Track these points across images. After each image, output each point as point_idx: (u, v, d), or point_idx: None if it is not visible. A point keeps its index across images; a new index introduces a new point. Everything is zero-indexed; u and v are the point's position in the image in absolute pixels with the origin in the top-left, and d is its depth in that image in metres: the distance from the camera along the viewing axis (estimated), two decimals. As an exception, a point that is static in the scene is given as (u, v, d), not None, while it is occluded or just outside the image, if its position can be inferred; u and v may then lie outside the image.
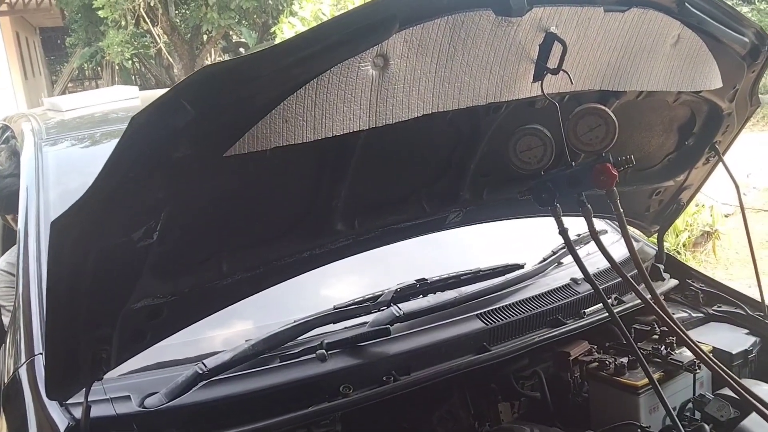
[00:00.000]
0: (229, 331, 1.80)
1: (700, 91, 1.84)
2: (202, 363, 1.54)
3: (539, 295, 2.00)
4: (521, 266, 2.14)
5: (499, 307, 1.91)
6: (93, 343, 1.34)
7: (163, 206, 1.22)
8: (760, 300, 2.14)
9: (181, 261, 1.38)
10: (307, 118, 1.23)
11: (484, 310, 1.89)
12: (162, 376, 1.58)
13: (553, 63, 1.47)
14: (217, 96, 1.14)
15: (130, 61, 15.20)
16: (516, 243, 2.36)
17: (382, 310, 1.83)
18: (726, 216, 6.11)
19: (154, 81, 16.80)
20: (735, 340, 2.08)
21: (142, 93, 3.33)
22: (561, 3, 1.42)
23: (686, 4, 1.59)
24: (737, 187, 2.08)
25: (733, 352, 2.00)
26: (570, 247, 1.56)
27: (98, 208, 1.15)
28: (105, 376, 1.42)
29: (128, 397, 1.49)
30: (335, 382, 1.60)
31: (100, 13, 12.84)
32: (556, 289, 2.05)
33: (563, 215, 1.55)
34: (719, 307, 2.25)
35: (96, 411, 1.41)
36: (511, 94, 1.50)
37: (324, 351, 1.63)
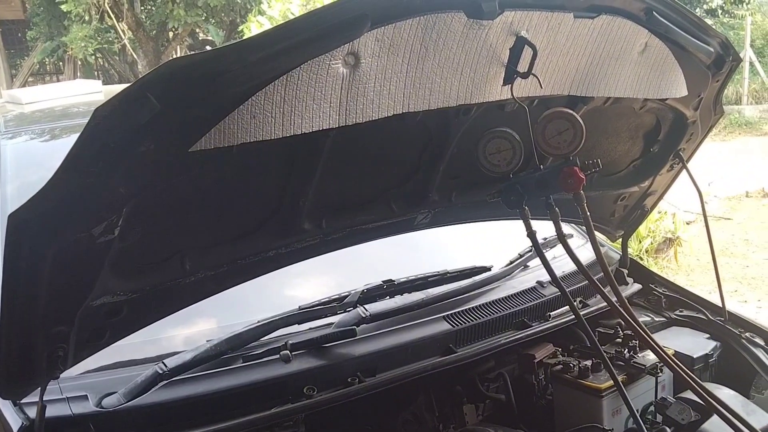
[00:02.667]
0: (190, 330, 1.77)
1: (666, 99, 1.87)
2: (162, 363, 1.51)
3: (505, 297, 2.01)
4: (488, 269, 2.15)
5: (465, 309, 1.91)
6: (49, 340, 1.30)
7: (126, 201, 1.19)
8: (720, 305, 2.17)
9: (142, 258, 1.35)
10: (276, 115, 1.21)
11: (450, 312, 1.88)
12: (121, 376, 1.54)
13: (523, 67, 1.47)
14: (184, 90, 1.11)
15: (93, 57, 14.89)
16: (484, 246, 2.37)
17: (349, 311, 1.81)
18: (688, 223, 6.24)
19: (117, 77, 16.49)
20: (696, 344, 2.11)
21: (105, 87, 3.26)
22: (532, 7, 1.43)
23: (654, 12, 1.61)
24: (700, 194, 2.11)
25: (695, 356, 2.03)
26: (538, 249, 1.57)
27: (58, 202, 1.11)
28: (61, 375, 1.38)
29: (85, 397, 1.45)
30: (299, 383, 1.58)
31: (63, 7, 12.55)
32: (522, 291, 2.05)
33: (531, 218, 1.55)
34: (681, 311, 2.28)
35: (51, 411, 1.36)
36: (481, 97, 1.50)
37: (288, 352, 1.60)
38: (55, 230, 1.15)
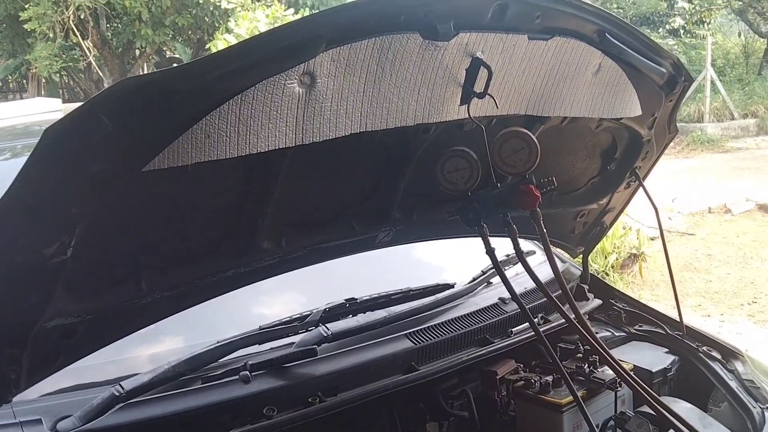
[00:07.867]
0: (150, 351, 1.75)
1: (621, 119, 1.91)
2: (120, 385, 1.48)
3: (468, 314, 2.01)
4: (451, 286, 2.16)
5: (428, 327, 1.91)
6: (1, 363, 1.27)
7: (78, 222, 1.17)
8: (678, 320, 2.21)
9: (97, 279, 1.33)
10: (231, 134, 1.21)
11: (413, 329, 1.88)
12: (78, 399, 1.50)
13: (479, 87, 1.50)
14: (136, 110, 1.11)
15: (57, 74, 14.71)
16: (447, 263, 2.38)
17: (310, 330, 1.80)
18: (652, 239, 6.35)
19: (83, 95, 16.29)
20: (655, 358, 2.14)
21: (66, 106, 3.23)
22: (486, 29, 1.45)
23: (606, 35, 1.65)
24: (656, 210, 2.16)
25: (653, 371, 2.06)
26: (497, 266, 1.59)
27: (8, 223, 1.10)
28: (15, 399, 1.34)
29: (39, 421, 1.41)
30: (259, 404, 1.56)
31: (27, 26, 12.41)
32: (485, 308, 2.06)
33: (491, 236, 1.57)
34: (640, 326, 2.32)
35: (3, 436, 1.34)
36: (439, 116, 1.52)
37: (248, 372, 1.59)
38: (6, 251, 1.13)
